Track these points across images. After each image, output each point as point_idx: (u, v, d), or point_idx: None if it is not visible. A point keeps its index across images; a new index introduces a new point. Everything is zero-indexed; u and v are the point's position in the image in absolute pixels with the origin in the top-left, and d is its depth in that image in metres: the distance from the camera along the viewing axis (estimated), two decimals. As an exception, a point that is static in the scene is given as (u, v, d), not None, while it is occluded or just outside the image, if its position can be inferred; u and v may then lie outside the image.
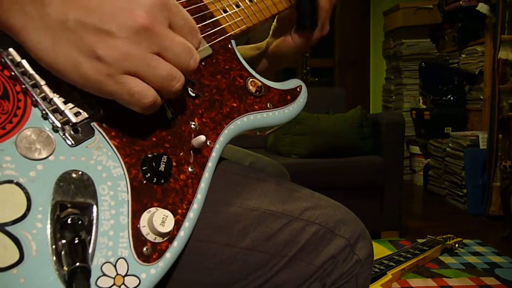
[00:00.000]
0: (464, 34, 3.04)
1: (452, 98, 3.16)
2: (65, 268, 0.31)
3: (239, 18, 0.54)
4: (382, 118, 2.21)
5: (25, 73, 0.35)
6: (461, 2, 2.90)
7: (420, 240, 2.00)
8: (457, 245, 1.98)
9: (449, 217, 2.63)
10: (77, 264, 0.31)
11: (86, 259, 0.32)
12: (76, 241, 0.32)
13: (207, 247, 0.45)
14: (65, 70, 0.34)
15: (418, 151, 3.44)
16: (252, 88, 0.51)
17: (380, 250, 1.95)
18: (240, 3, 0.55)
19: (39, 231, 0.32)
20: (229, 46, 0.52)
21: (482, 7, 2.62)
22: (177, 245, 0.38)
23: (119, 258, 0.34)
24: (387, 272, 1.60)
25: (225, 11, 0.53)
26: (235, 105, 0.48)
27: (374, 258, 0.53)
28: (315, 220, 0.49)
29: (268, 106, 0.51)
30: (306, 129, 2.17)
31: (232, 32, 0.53)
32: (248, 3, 0.56)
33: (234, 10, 0.54)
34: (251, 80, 0.51)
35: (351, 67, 3.98)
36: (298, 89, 0.56)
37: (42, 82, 0.36)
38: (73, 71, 0.34)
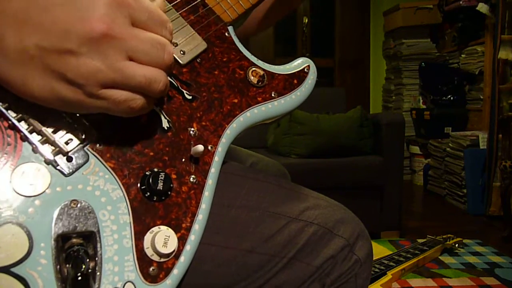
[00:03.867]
0: (464, 34, 3.04)
1: (452, 98, 3.16)
2: None
3: (235, 2, 0.50)
4: (382, 118, 2.21)
5: (9, 107, 0.34)
6: (461, 2, 2.90)
7: (420, 240, 2.00)
8: (457, 245, 1.98)
9: (449, 217, 2.63)
10: None
11: None
12: (81, 274, 0.32)
13: (206, 250, 0.44)
14: (45, 99, 0.32)
15: (418, 151, 3.44)
16: (253, 79, 0.47)
17: (380, 250, 1.95)
18: None
19: (44, 267, 0.31)
20: (226, 34, 0.48)
21: (482, 7, 2.62)
22: (184, 260, 0.38)
23: (126, 282, 0.34)
24: (387, 272, 1.59)
25: None
26: (236, 101, 0.46)
27: (374, 258, 0.53)
28: (314, 221, 0.49)
29: (273, 95, 0.48)
30: (306, 129, 2.17)
31: (229, 19, 0.49)
32: None
33: None
34: (252, 69, 0.48)
35: (351, 67, 3.98)
36: (305, 70, 0.51)
37: (28, 115, 0.34)
38: (52, 98, 0.32)
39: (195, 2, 0.48)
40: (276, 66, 0.50)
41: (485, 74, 2.79)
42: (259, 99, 0.47)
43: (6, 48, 0.30)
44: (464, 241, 2.06)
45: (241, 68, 0.48)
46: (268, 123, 0.50)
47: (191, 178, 0.40)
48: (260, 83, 0.48)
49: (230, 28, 0.49)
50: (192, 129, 0.42)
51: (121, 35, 0.32)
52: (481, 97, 2.89)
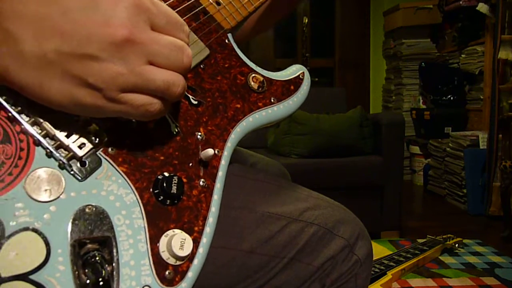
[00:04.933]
0: (464, 34, 3.04)
1: (452, 98, 3.16)
2: None
3: (234, 9, 0.51)
4: (382, 118, 2.21)
5: (22, 111, 0.34)
6: (461, 2, 2.90)
7: (420, 240, 2.00)
8: (457, 245, 1.98)
9: (449, 217, 2.63)
10: None
11: None
12: (100, 279, 0.32)
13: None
14: (63, 104, 0.32)
15: (418, 151, 3.44)
16: (254, 85, 0.49)
17: (380, 250, 1.95)
18: None
19: (62, 273, 0.31)
20: (226, 41, 0.50)
21: (482, 7, 2.62)
22: (197, 262, 0.38)
23: (144, 286, 0.34)
24: (387, 272, 1.59)
25: (219, 4, 0.50)
26: (238, 106, 0.47)
27: (374, 258, 0.53)
28: (314, 221, 0.49)
29: (272, 100, 0.49)
30: (306, 129, 2.17)
31: (228, 26, 0.50)
32: None
33: (228, 1, 0.51)
34: (252, 75, 0.49)
35: (351, 67, 3.98)
36: (300, 76, 0.53)
37: (41, 119, 0.34)
38: (71, 103, 0.32)
39: (196, 10, 0.48)
40: (273, 73, 0.52)
41: (485, 74, 2.79)
42: (260, 104, 0.48)
43: (24, 52, 0.30)
44: (464, 241, 2.06)
45: (242, 74, 0.49)
46: (268, 127, 0.52)
47: (201, 182, 0.41)
48: (260, 89, 0.49)
49: (230, 35, 0.50)
50: (199, 133, 0.43)
51: (142, 39, 0.32)
52: (481, 97, 2.89)
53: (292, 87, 0.52)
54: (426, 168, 3.30)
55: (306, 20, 3.61)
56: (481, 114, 2.89)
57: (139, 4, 0.32)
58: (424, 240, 1.99)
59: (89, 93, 0.32)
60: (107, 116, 0.34)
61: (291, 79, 0.52)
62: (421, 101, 3.43)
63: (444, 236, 2.02)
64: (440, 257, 1.90)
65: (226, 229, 0.46)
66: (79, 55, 0.30)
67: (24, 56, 0.30)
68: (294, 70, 0.53)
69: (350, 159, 2.14)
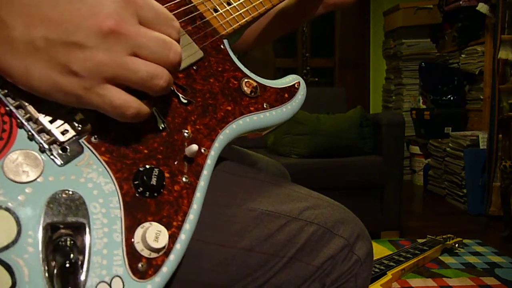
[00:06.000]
0: (464, 34, 3.04)
1: (452, 98, 3.16)
2: None
3: (231, 17, 0.52)
4: (382, 118, 2.21)
5: (8, 94, 0.34)
6: (461, 2, 2.90)
7: (420, 240, 2.00)
8: (457, 245, 1.98)
9: (449, 217, 2.63)
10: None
11: (77, 283, 0.31)
12: (68, 264, 0.32)
13: (205, 248, 0.45)
14: (44, 90, 0.33)
15: (418, 151, 3.44)
16: (247, 89, 0.49)
17: (380, 250, 1.95)
18: (232, 0, 0.53)
19: (31, 255, 0.31)
20: (222, 46, 0.51)
21: (482, 7, 2.62)
22: (173, 258, 0.37)
23: (114, 277, 0.34)
24: (387, 272, 1.60)
25: (216, 11, 0.51)
26: (229, 108, 0.47)
27: (374, 258, 0.53)
28: (314, 220, 0.49)
29: (265, 106, 0.50)
30: (306, 129, 2.17)
31: (224, 32, 0.51)
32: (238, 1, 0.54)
33: (225, 9, 0.52)
34: (245, 80, 0.50)
35: (351, 67, 3.98)
36: (296, 86, 0.54)
37: (26, 103, 0.35)
38: (52, 90, 0.33)
39: (193, 14, 0.49)
40: (267, 80, 0.52)
41: (485, 74, 2.79)
42: (252, 108, 0.49)
43: (13, 38, 0.31)
44: (464, 241, 2.06)
45: (235, 78, 0.49)
46: (256, 136, 0.52)
47: (184, 178, 0.41)
48: (253, 94, 0.49)
49: (225, 41, 0.51)
50: (186, 131, 0.43)
51: (127, 31, 0.33)
52: (481, 97, 2.89)
53: (286, 95, 0.52)
54: (426, 168, 3.30)
55: (306, 20, 3.60)
56: (481, 114, 2.89)
57: None
58: (424, 240, 1.99)
59: (71, 81, 0.32)
60: (86, 108, 0.35)
61: (286, 87, 0.53)
62: (421, 101, 3.43)
63: (444, 236, 2.02)
64: (440, 257, 1.90)
65: (225, 226, 0.46)
66: (66, 43, 0.32)
67: (13, 42, 0.31)
68: (290, 80, 0.54)
69: (350, 159, 2.14)
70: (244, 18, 0.54)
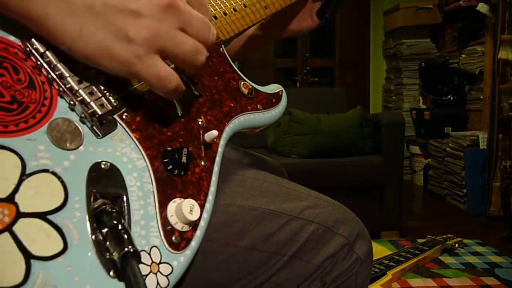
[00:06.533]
0: (464, 34, 3.04)
1: (452, 98, 3.16)
2: (109, 255, 0.32)
3: (227, 25, 0.57)
4: (382, 118, 2.21)
5: (50, 63, 0.35)
6: (461, 2, 2.90)
7: (420, 240, 2.00)
8: (457, 245, 1.98)
9: (449, 217, 2.63)
10: (126, 249, 0.31)
11: (133, 243, 0.32)
12: (116, 229, 0.32)
13: (207, 247, 0.45)
14: (95, 55, 0.34)
15: (418, 151, 3.44)
16: (244, 90, 0.53)
17: (380, 250, 1.95)
18: (227, 11, 0.58)
19: (79, 220, 0.32)
20: (221, 50, 0.54)
21: (482, 7, 2.62)
22: (199, 234, 0.39)
23: (152, 247, 0.35)
24: (387, 272, 1.60)
25: (215, 17, 0.56)
26: (232, 105, 0.51)
27: (374, 258, 0.54)
28: (314, 219, 0.49)
29: (259, 107, 0.54)
30: (306, 129, 2.17)
31: (222, 37, 0.55)
32: (233, 12, 0.59)
33: (222, 17, 0.57)
34: (242, 82, 0.54)
35: (351, 67, 3.98)
36: (280, 93, 0.58)
37: (67, 74, 0.36)
38: (103, 55, 0.34)
39: None
40: (257, 85, 0.57)
41: (485, 74, 2.79)
42: (249, 107, 0.53)
43: (73, 0, 0.32)
44: (464, 241, 2.06)
45: (234, 80, 0.53)
46: (261, 130, 0.57)
47: (202, 162, 0.43)
48: (249, 95, 0.54)
49: (223, 46, 0.55)
50: (200, 120, 0.46)
51: (181, 8, 0.36)
52: (481, 97, 2.89)
53: (274, 100, 0.57)
54: (426, 168, 3.30)
55: (306, 20, 3.60)
56: (481, 114, 2.89)
57: None
58: (424, 240, 1.99)
59: (125, 47, 0.34)
60: (130, 77, 0.37)
61: (273, 93, 0.58)
62: (421, 101, 3.43)
63: (444, 236, 2.02)
64: (440, 257, 1.91)
65: (227, 225, 0.46)
66: (125, 10, 0.33)
67: (72, 3, 0.32)
68: (274, 88, 0.59)
69: (350, 159, 2.14)
70: (237, 27, 0.59)
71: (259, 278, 0.46)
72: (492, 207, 2.50)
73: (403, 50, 3.59)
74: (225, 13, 0.57)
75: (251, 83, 0.55)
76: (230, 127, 0.49)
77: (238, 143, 0.75)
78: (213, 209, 0.46)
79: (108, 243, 0.32)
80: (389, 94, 3.90)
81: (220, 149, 0.46)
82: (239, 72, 0.55)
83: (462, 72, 3.09)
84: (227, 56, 0.55)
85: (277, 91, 0.58)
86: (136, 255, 0.32)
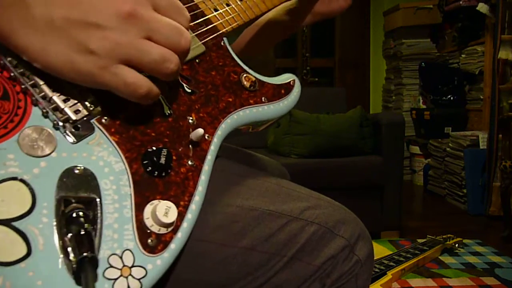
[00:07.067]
0: (464, 34, 3.04)
1: (452, 98, 3.16)
2: (73, 259, 0.32)
3: (230, 16, 0.55)
4: (382, 118, 2.21)
5: (24, 73, 0.36)
6: (461, 2, 2.90)
7: (420, 240, 2.00)
8: (457, 245, 1.98)
9: (449, 217, 2.63)
10: (85, 254, 0.31)
11: (93, 249, 0.32)
12: (83, 233, 0.32)
13: (206, 247, 0.45)
14: (59, 68, 0.34)
15: (418, 151, 3.44)
16: (246, 83, 0.52)
17: (380, 250, 1.95)
18: (230, 1, 0.56)
19: (45, 225, 0.32)
20: (222, 43, 0.53)
21: (482, 7, 2.62)
22: (181, 236, 0.39)
23: (125, 250, 0.35)
24: (387, 272, 1.60)
25: (216, 10, 0.54)
26: (230, 99, 0.49)
27: (374, 258, 0.53)
28: (315, 220, 0.49)
29: (263, 100, 0.52)
30: (306, 129, 2.17)
31: (224, 30, 0.54)
32: (238, 2, 0.57)
33: (224, 9, 0.55)
34: (244, 75, 0.52)
35: (351, 67, 3.98)
36: (291, 83, 0.56)
37: (41, 82, 0.36)
38: (67, 68, 0.34)
39: (195, 12, 0.52)
40: (264, 77, 0.55)
41: (485, 74, 2.79)
42: (251, 101, 0.51)
43: (33, 16, 0.33)
44: (464, 241, 2.06)
45: (235, 73, 0.52)
46: (262, 130, 0.55)
47: (189, 161, 0.43)
48: (252, 87, 0.52)
49: (225, 39, 0.54)
50: (191, 118, 0.45)
51: (143, 16, 0.35)
52: (481, 97, 2.89)
53: (283, 91, 0.55)
54: (426, 168, 3.30)
55: (306, 20, 3.60)
56: (481, 114, 2.89)
57: None
58: (424, 240, 1.99)
59: (88, 60, 0.34)
60: (99, 87, 0.36)
61: (282, 84, 0.55)
62: (421, 101, 3.43)
63: (444, 236, 2.02)
64: (440, 257, 1.91)
65: (227, 226, 0.46)
66: (85, 23, 0.33)
67: (33, 20, 0.33)
68: (286, 77, 0.57)
69: (350, 159, 2.14)
70: (242, 19, 0.57)
71: (259, 279, 0.46)
72: (492, 207, 2.50)
73: (403, 50, 3.59)
74: (227, 4, 0.55)
75: (256, 75, 0.53)
76: (227, 123, 0.48)
77: (238, 143, 0.75)
78: (213, 209, 0.46)
79: (71, 248, 0.32)
80: (389, 94, 3.90)
81: (213, 147, 0.45)
82: (242, 65, 0.53)
83: (462, 72, 3.09)
84: (229, 49, 0.53)
85: (288, 81, 0.56)
86: (93, 261, 0.32)
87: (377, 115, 2.34)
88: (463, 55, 3.07)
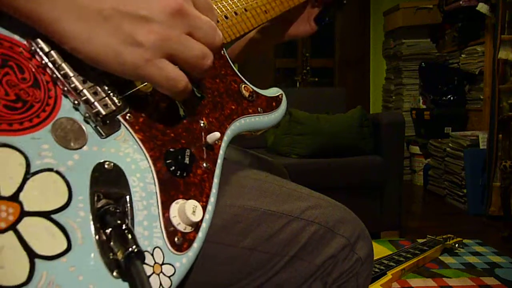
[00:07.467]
0: (464, 34, 3.04)
1: (452, 98, 3.16)
2: (112, 255, 0.32)
3: (228, 28, 0.57)
4: (382, 118, 2.21)
5: (54, 63, 0.35)
6: (461, 2, 2.90)
7: (420, 240, 2.00)
8: (457, 245, 1.98)
9: (449, 217, 2.64)
10: (130, 249, 0.31)
11: (137, 243, 0.32)
12: (124, 227, 0.33)
13: (208, 248, 0.45)
14: (104, 59, 0.34)
15: (418, 151, 3.44)
16: (245, 93, 0.53)
17: (380, 250, 1.95)
18: (228, 15, 0.58)
19: (83, 219, 0.32)
20: (222, 53, 0.55)
21: (482, 7, 2.62)
22: (201, 235, 0.39)
23: (155, 248, 0.35)
24: (387, 272, 1.60)
25: (217, 21, 0.56)
26: (233, 107, 0.51)
27: (374, 258, 0.54)
28: (315, 220, 0.49)
29: (259, 110, 0.54)
30: (306, 129, 2.17)
31: (224, 40, 0.55)
32: (234, 15, 0.59)
33: (224, 21, 0.57)
34: (243, 85, 0.54)
35: (351, 67, 3.98)
36: (280, 97, 0.59)
37: (71, 74, 0.36)
38: (113, 59, 0.34)
39: None
40: (258, 89, 0.57)
41: (485, 74, 2.79)
42: (250, 110, 0.53)
43: (81, 4, 0.33)
44: (464, 241, 2.06)
45: (235, 82, 0.53)
46: (250, 137, 0.57)
47: (204, 164, 0.43)
48: (250, 98, 0.54)
49: (224, 49, 0.55)
50: (202, 122, 0.46)
51: (189, 13, 0.37)
52: (481, 97, 2.89)
53: (274, 104, 0.57)
54: (426, 168, 3.30)
55: (306, 20, 3.60)
56: (481, 114, 2.90)
57: None
58: (424, 240, 1.99)
59: (133, 51, 0.34)
60: (139, 80, 0.37)
61: (273, 97, 0.58)
62: (421, 101, 3.43)
63: (444, 236, 2.02)
64: (440, 257, 1.91)
65: (228, 226, 0.46)
66: (134, 16, 0.34)
67: (82, 8, 0.33)
68: (274, 91, 0.59)
69: (350, 159, 2.14)
70: (238, 31, 0.59)
71: (260, 278, 0.46)
72: (492, 207, 2.50)
73: (403, 50, 3.59)
74: (226, 17, 0.57)
75: (251, 86, 0.55)
76: (232, 130, 0.49)
77: (238, 143, 0.75)
78: (214, 210, 0.46)
79: (112, 243, 0.32)
80: (389, 94, 3.90)
81: (221, 151, 0.46)
82: (240, 75, 0.55)
83: (462, 72, 3.09)
84: (228, 59, 0.55)
85: (277, 94, 0.59)
86: (140, 255, 0.32)
87: (377, 115, 2.34)
88: (463, 55, 3.07)
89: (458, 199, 2.79)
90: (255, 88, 0.56)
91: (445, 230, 2.14)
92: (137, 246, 0.32)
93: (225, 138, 0.48)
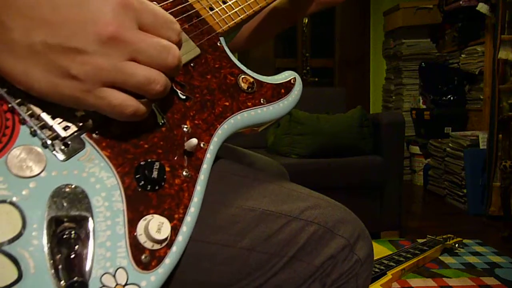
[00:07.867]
0: (464, 34, 3.04)
1: (452, 98, 3.16)
2: (63, 284, 0.31)
3: (227, 15, 0.53)
4: (382, 118, 2.21)
5: (9, 92, 0.35)
6: (461, 2, 2.90)
7: (420, 240, 2.00)
8: (457, 245, 1.98)
9: (449, 217, 2.63)
10: (75, 279, 0.31)
11: (83, 273, 0.32)
12: (73, 256, 0.32)
13: (206, 248, 0.44)
14: (43, 92, 0.34)
15: (418, 151, 3.44)
16: (243, 85, 0.50)
17: (380, 250, 1.95)
18: (214, 6, 0.53)
19: (36, 248, 0.32)
20: (218, 44, 0.51)
21: (482, 7, 2.62)
22: (176, 250, 0.38)
23: (118, 268, 0.34)
24: (387, 272, 1.60)
25: (212, 9, 0.52)
26: (227, 104, 0.48)
27: (374, 258, 0.53)
28: (315, 220, 0.49)
29: (262, 101, 0.51)
30: (306, 129, 2.17)
31: (220, 29, 0.52)
32: (222, 4, 0.54)
33: (221, 7, 0.53)
34: (242, 76, 0.50)
35: (351, 67, 3.98)
36: (292, 81, 0.54)
37: (28, 100, 0.35)
38: (51, 92, 0.33)
39: (189, 13, 0.50)
40: (263, 76, 0.53)
41: (485, 74, 2.79)
42: (249, 104, 0.50)
43: (12, 41, 0.32)
44: (464, 241, 2.06)
45: (232, 75, 0.50)
46: (262, 131, 0.53)
47: (184, 172, 0.42)
48: (250, 89, 0.50)
49: (222, 39, 0.52)
50: (186, 126, 0.44)
51: (126, 38, 0.34)
52: (481, 97, 2.89)
53: (282, 91, 0.53)
54: (426, 168, 3.30)
55: (306, 20, 3.61)
56: (481, 114, 2.89)
57: (126, 3, 0.34)
58: (424, 240, 1.99)
59: (70, 85, 0.33)
60: (85, 109, 0.36)
61: (282, 83, 0.53)
62: (421, 101, 3.43)
63: (444, 236, 2.02)
64: (440, 257, 1.91)
65: (226, 226, 0.46)
66: (65, 48, 0.32)
67: (12, 44, 0.32)
68: (286, 76, 0.55)
69: (350, 159, 2.14)
70: (239, 16, 0.55)
71: (258, 279, 0.46)
72: (492, 207, 2.50)
73: (403, 50, 3.59)
74: (224, 1, 0.53)
75: (254, 75, 0.52)
76: (224, 129, 0.47)
77: (238, 143, 0.75)
78: (212, 210, 0.46)
79: (61, 271, 0.32)
80: (389, 94, 3.90)
81: (209, 155, 0.44)
82: (240, 65, 0.51)
83: (462, 72, 3.09)
84: (226, 49, 0.51)
85: (289, 79, 0.54)
86: (82, 286, 0.31)
87: (377, 115, 2.34)
88: (463, 55, 3.07)
89: (458, 199, 2.79)
90: (258, 77, 0.52)
91: (445, 230, 2.14)
92: (81, 276, 0.31)
93: (215, 139, 0.45)
